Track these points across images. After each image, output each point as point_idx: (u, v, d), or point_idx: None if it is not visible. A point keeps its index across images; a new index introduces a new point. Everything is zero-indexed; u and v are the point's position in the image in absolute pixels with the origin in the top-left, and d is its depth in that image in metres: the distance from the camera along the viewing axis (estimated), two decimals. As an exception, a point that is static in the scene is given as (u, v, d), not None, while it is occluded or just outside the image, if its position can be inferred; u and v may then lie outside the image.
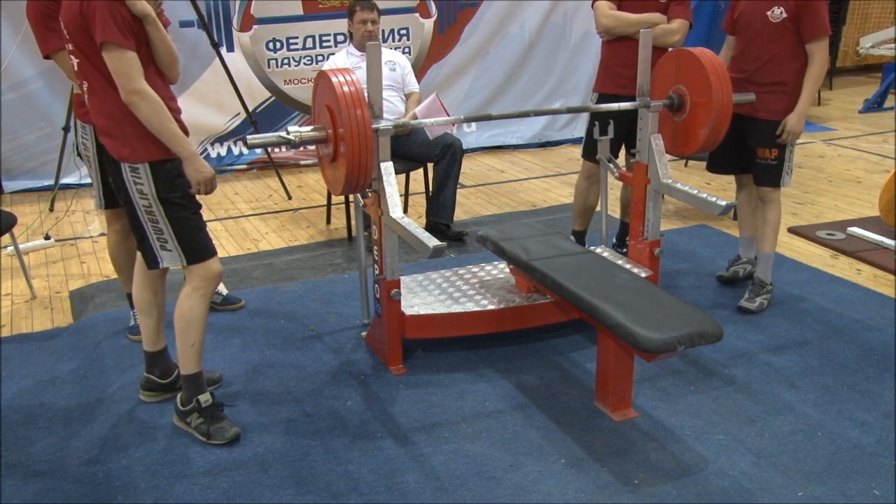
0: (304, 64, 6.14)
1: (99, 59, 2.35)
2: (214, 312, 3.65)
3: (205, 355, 3.22)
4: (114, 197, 3.14)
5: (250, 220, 5.06)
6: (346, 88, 2.65)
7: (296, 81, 6.17)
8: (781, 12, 3.33)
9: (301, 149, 6.06)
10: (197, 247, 2.57)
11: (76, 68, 2.45)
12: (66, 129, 5.06)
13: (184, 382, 2.68)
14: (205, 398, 2.67)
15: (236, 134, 6.13)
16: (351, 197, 4.34)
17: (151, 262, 2.60)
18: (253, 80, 6.06)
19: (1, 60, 5.23)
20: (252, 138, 2.79)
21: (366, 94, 2.79)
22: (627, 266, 3.45)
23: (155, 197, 2.48)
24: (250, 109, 5.65)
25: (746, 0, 3.48)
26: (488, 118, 3.54)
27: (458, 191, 4.70)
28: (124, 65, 2.32)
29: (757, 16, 3.40)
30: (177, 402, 2.71)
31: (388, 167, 2.91)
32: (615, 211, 4.68)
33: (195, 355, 2.64)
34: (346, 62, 4.47)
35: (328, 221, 4.99)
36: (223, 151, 6.14)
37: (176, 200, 2.51)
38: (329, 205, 5.02)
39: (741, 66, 3.49)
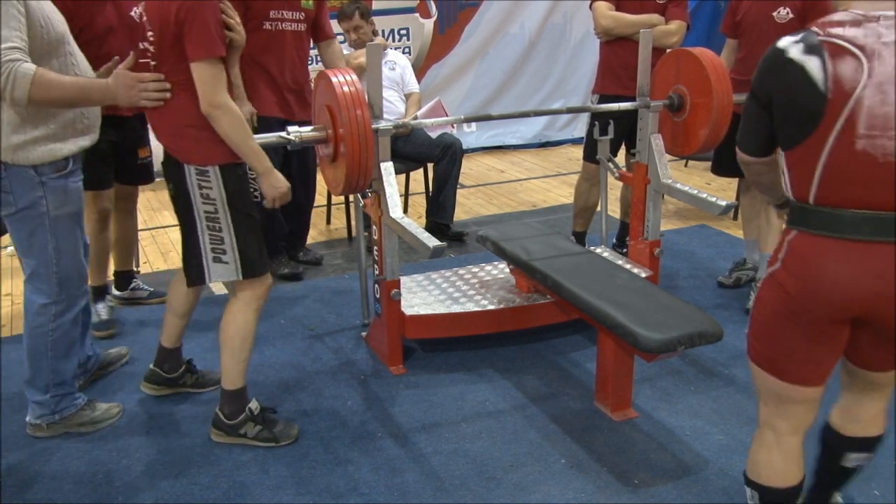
0: (304, 64, 6.14)
1: (180, 63, 2.26)
2: (203, 313, 3.65)
3: (204, 355, 3.23)
4: (97, 177, 3.14)
5: (250, 220, 5.05)
6: (346, 88, 2.65)
7: (296, 81, 6.17)
8: (788, 13, 3.33)
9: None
10: (257, 260, 2.50)
11: (147, 67, 2.34)
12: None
13: (229, 397, 2.61)
14: (254, 405, 2.63)
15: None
16: (351, 197, 4.34)
17: (196, 277, 2.49)
18: (253, 80, 6.05)
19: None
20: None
21: (366, 95, 2.79)
22: (627, 266, 3.45)
23: (224, 202, 2.39)
24: (250, 109, 5.64)
25: (750, 1, 3.47)
26: (488, 118, 3.55)
27: (458, 191, 4.70)
28: (213, 77, 2.24)
29: (762, 17, 3.40)
30: (219, 418, 2.63)
31: (388, 167, 2.92)
32: (615, 211, 4.68)
33: (244, 370, 2.59)
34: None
35: (328, 221, 4.99)
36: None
37: (243, 208, 2.43)
38: (329, 205, 5.02)
39: (749, 67, 3.46)
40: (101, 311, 3.47)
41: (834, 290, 1.73)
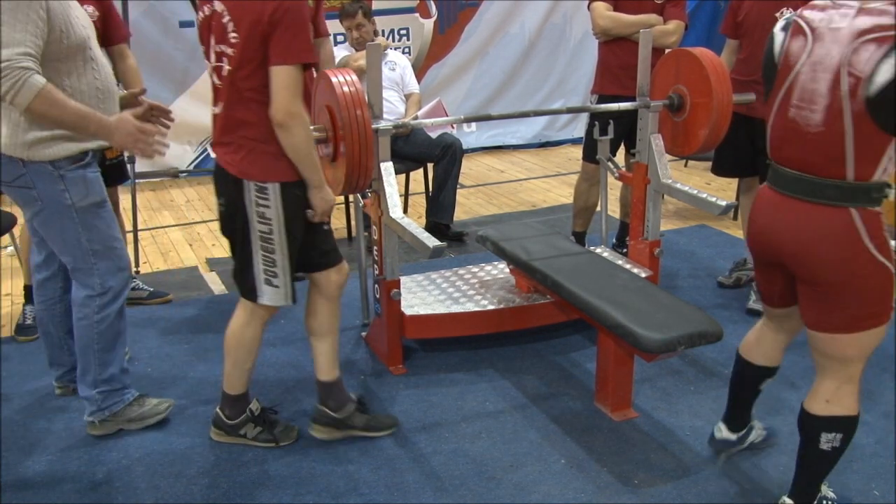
0: (304, 64, 6.14)
1: (260, 69, 2.14)
2: (203, 313, 3.66)
3: (204, 355, 3.23)
4: None
5: (250, 220, 5.05)
6: (345, 88, 2.64)
7: (296, 81, 6.17)
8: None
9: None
10: (295, 285, 2.43)
11: (219, 71, 2.22)
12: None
13: (230, 400, 2.57)
14: (255, 406, 2.60)
15: (236, 134, 6.12)
16: (351, 197, 4.34)
17: (249, 293, 2.40)
18: (253, 80, 6.05)
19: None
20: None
21: (366, 95, 2.79)
22: (627, 266, 3.45)
23: (281, 224, 2.30)
24: (250, 109, 5.65)
25: (752, 1, 3.46)
26: (488, 118, 3.55)
27: (458, 191, 4.70)
28: (297, 83, 2.13)
29: (765, 17, 3.39)
30: (220, 418, 2.60)
31: (388, 167, 2.92)
32: (615, 211, 4.68)
33: (248, 378, 2.57)
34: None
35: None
36: (223, 151, 6.13)
37: (296, 233, 2.35)
38: (329, 205, 5.01)
39: (751, 68, 3.46)
40: (28, 315, 3.45)
41: (761, 237, 2.11)
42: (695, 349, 2.83)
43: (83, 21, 2.41)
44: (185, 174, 5.95)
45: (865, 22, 1.81)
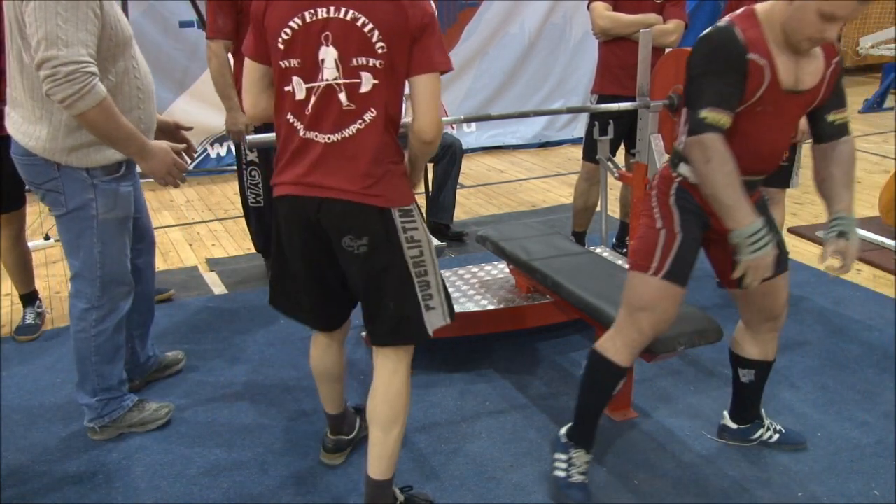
0: (304, 64, 6.13)
1: (402, 83, 1.95)
2: (202, 313, 3.66)
3: (203, 356, 3.23)
4: (8, 199, 3.08)
5: (250, 220, 5.05)
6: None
7: (296, 81, 6.16)
8: None
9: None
10: (451, 299, 2.20)
11: (353, 89, 1.91)
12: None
13: (380, 490, 2.16)
14: (400, 497, 2.28)
15: (236, 134, 6.12)
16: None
17: (420, 333, 2.10)
18: (253, 80, 6.04)
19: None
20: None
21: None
22: (627, 266, 3.44)
23: (428, 240, 2.07)
24: (250, 109, 5.64)
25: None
26: (488, 118, 3.53)
27: (458, 191, 4.70)
28: (439, 93, 1.95)
29: None
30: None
31: (388, 167, 2.91)
32: (615, 211, 4.68)
33: (399, 451, 2.19)
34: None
35: (328, 221, 4.99)
36: (223, 151, 6.14)
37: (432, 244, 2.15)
38: (329, 205, 5.01)
39: None
40: (27, 315, 3.47)
41: None
42: (695, 349, 2.83)
43: (125, 18, 2.38)
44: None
45: None
